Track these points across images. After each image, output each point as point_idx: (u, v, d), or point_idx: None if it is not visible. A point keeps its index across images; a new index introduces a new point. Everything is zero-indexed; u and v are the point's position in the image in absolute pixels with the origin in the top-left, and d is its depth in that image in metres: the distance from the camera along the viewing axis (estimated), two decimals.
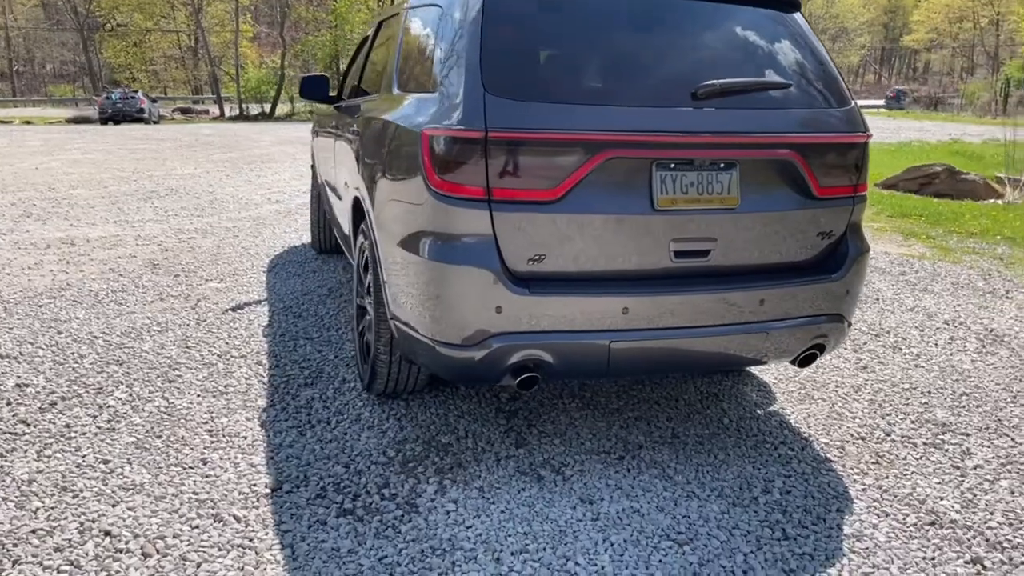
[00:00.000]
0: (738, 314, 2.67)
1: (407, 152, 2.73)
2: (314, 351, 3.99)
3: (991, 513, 2.64)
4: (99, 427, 3.10)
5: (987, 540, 2.49)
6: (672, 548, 2.40)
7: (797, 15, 2.96)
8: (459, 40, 2.64)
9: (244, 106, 36.24)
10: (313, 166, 6.06)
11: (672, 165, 2.55)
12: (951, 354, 4.20)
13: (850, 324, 2.97)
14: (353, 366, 3.78)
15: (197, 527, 2.43)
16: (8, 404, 3.27)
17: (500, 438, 3.08)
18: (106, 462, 2.83)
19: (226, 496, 2.63)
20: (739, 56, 2.77)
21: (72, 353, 3.87)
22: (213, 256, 6.04)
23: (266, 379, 3.62)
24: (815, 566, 2.33)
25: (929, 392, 3.66)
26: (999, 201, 9.99)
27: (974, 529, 2.54)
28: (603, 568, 2.29)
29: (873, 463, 2.98)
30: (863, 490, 2.78)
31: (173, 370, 3.70)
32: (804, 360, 2.92)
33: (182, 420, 3.18)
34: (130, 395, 3.41)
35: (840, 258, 2.85)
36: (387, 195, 2.88)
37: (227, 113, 37.03)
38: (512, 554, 2.35)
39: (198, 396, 3.41)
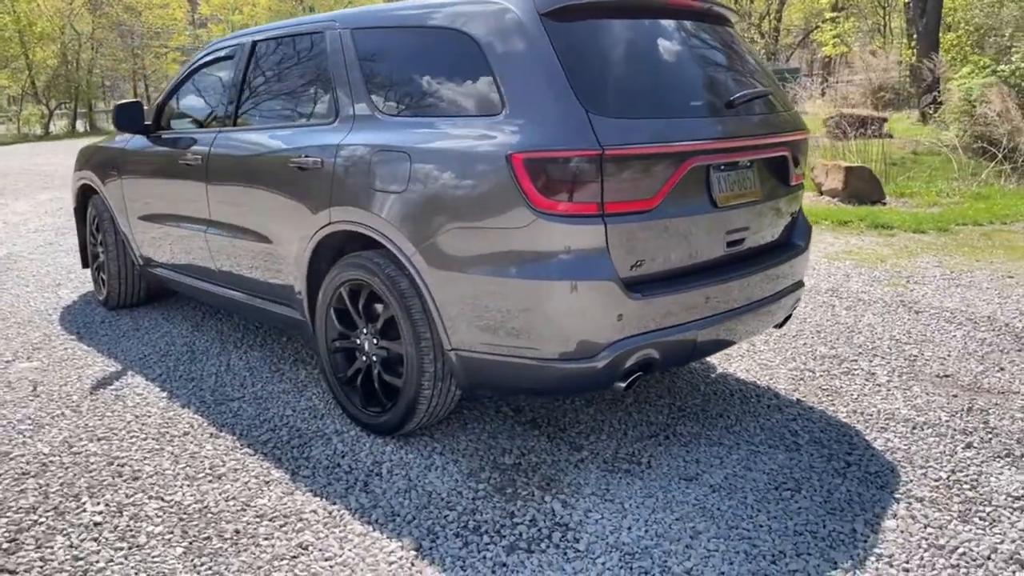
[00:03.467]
0: (766, 289, 3.12)
1: (482, 178, 2.68)
2: (261, 410, 3.56)
3: (935, 412, 3.45)
4: (117, 548, 2.52)
5: (955, 429, 3.27)
6: (793, 495, 2.77)
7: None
8: (527, 64, 2.67)
9: None
10: (95, 215, 5.17)
11: (722, 167, 2.89)
12: None
13: None
14: (322, 416, 3.48)
15: None
16: None
17: (551, 447, 3.15)
18: None
19: (377, 571, 2.38)
20: (732, 67, 3.19)
21: None
22: None
23: (249, 450, 3.18)
24: (891, 478, 2.88)
25: (797, 336, 4.50)
26: None
27: (942, 424, 3.32)
28: (770, 525, 2.59)
29: (828, 395, 3.66)
30: (847, 416, 3.43)
31: (119, 465, 3.07)
32: (783, 322, 3.47)
33: (210, 513, 2.72)
34: (108, 504, 2.79)
35: (802, 233, 3.45)
36: (449, 225, 2.77)
37: None
38: (691, 538, 2.53)
39: (190, 486, 2.91)
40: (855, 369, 3.97)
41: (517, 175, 2.59)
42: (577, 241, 2.59)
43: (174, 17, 53.58)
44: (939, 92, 18.12)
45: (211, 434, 3.34)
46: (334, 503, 2.77)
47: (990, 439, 3.17)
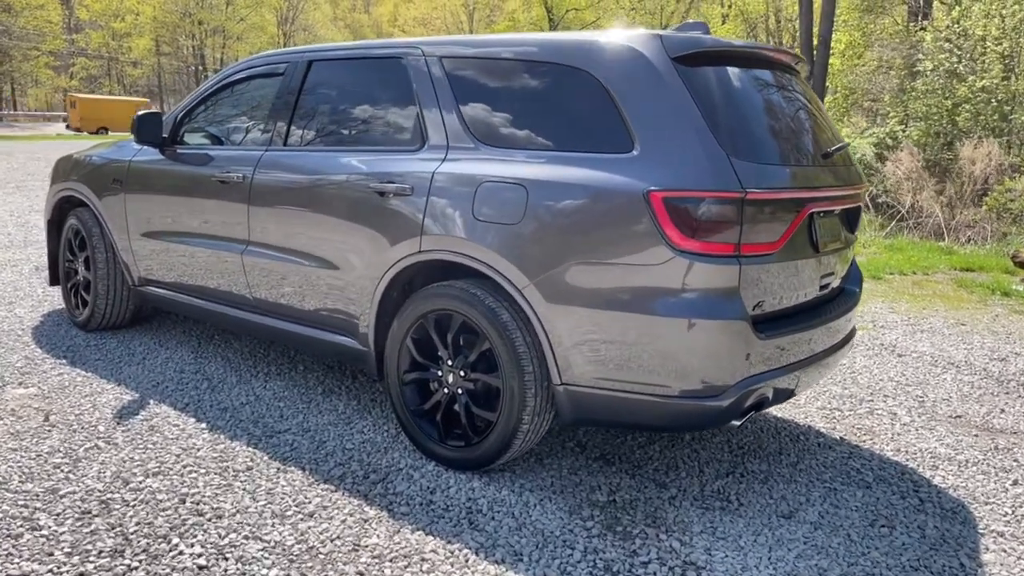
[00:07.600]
0: (843, 331, 3.27)
1: (613, 214, 2.70)
2: (317, 444, 3.39)
3: (969, 451, 3.69)
4: None
5: (995, 467, 3.50)
6: (891, 531, 2.90)
7: None
8: (662, 105, 2.72)
9: None
10: (78, 231, 4.78)
11: (822, 214, 3.03)
12: None
13: None
14: (386, 450, 3.35)
15: None
16: None
17: (637, 484, 3.16)
18: None
19: None
20: (818, 119, 3.33)
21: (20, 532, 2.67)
22: None
23: (328, 486, 3.02)
24: (966, 513, 3.05)
25: None
26: None
27: (981, 463, 3.55)
28: (886, 562, 2.69)
29: (866, 435, 3.84)
30: (894, 454, 3.61)
31: (194, 503, 2.84)
32: None
33: (320, 554, 2.56)
34: (204, 546, 2.57)
35: (856, 280, 3.63)
36: (573, 258, 2.75)
37: None
38: (820, 575, 2.59)
39: (282, 524, 2.73)
40: (876, 409, 4.18)
41: (656, 213, 2.62)
42: (713, 280, 2.64)
43: (49, 19, 50.64)
44: None
45: (277, 468, 3.14)
46: (450, 542, 2.67)
47: None
